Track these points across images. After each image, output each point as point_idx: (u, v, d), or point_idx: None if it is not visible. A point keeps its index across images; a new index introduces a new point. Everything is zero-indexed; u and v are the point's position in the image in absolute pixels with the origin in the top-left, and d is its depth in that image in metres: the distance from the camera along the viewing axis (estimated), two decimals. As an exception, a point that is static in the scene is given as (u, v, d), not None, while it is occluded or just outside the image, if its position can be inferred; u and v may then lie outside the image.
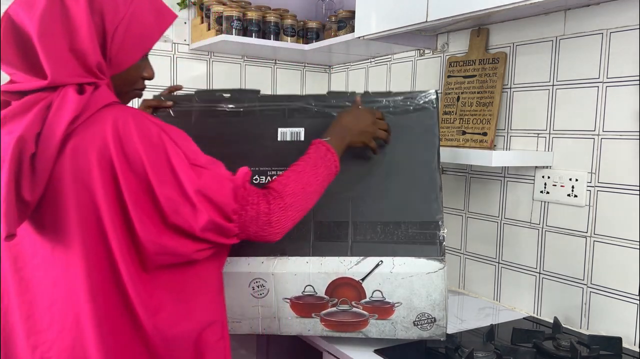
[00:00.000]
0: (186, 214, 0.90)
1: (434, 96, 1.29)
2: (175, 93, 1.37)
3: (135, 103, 1.14)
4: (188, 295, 0.97)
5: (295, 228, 1.12)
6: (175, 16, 1.01)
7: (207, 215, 0.91)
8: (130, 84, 0.99)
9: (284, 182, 1.03)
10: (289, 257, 1.23)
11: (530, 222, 1.58)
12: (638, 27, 1.32)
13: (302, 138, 1.28)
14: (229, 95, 1.32)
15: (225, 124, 1.31)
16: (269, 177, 1.27)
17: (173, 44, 2.13)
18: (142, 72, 1.00)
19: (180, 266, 0.95)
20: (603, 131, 1.40)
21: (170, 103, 1.30)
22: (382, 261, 1.21)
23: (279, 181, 1.03)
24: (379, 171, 1.27)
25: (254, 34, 2.04)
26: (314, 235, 1.24)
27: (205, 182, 0.92)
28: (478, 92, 1.69)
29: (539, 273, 1.57)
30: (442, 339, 1.24)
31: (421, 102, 1.29)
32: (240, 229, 0.98)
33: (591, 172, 1.43)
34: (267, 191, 1.01)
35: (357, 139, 1.19)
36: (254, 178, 1.28)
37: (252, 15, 2.03)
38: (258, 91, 1.34)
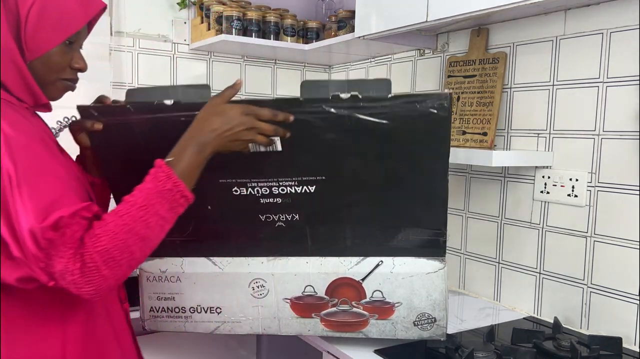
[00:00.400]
0: None
1: (447, 100, 1.02)
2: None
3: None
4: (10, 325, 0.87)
5: (292, 230, 1.10)
6: (104, 5, 0.97)
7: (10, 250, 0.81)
8: (55, 71, 0.94)
9: (99, 233, 0.83)
10: (289, 258, 1.23)
11: (530, 222, 1.58)
12: (638, 27, 1.32)
13: (279, 148, 1.04)
14: (171, 103, 1.03)
15: (176, 134, 0.98)
16: (250, 190, 1.12)
17: (173, 44, 2.13)
18: (69, 60, 0.95)
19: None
20: (603, 131, 1.40)
21: (98, 126, 1.05)
22: (382, 261, 1.21)
23: (94, 232, 0.84)
24: (379, 179, 1.13)
25: (254, 34, 2.04)
26: (311, 239, 1.22)
27: (10, 212, 0.80)
28: (478, 92, 1.69)
29: (539, 273, 1.57)
30: (442, 339, 1.24)
31: (431, 106, 1.02)
32: (51, 280, 0.83)
33: (591, 172, 1.43)
34: (78, 245, 0.83)
35: (217, 146, 0.94)
36: (234, 190, 1.11)
37: (252, 15, 2.03)
38: (208, 87, 1.05)
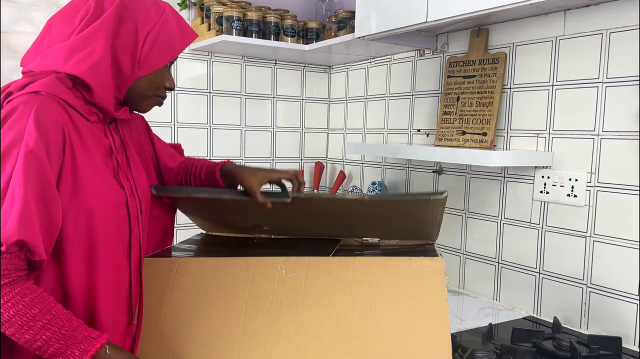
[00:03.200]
0: None
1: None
2: None
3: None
4: None
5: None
6: (197, 35, 1.14)
7: None
8: (155, 88, 1.07)
9: (28, 300, 0.87)
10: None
11: (530, 222, 1.59)
12: (638, 27, 1.32)
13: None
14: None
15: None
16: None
17: (173, 44, 2.13)
18: (165, 80, 1.09)
19: None
20: (603, 131, 1.40)
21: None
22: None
23: (35, 293, 0.89)
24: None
25: (254, 34, 2.04)
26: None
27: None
28: (478, 92, 1.70)
29: (539, 273, 1.57)
30: None
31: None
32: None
33: (591, 172, 1.43)
34: (14, 279, 0.87)
35: None
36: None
37: (252, 15, 2.03)
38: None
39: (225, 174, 1.27)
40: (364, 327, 1.06)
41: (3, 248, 0.84)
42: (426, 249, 1.31)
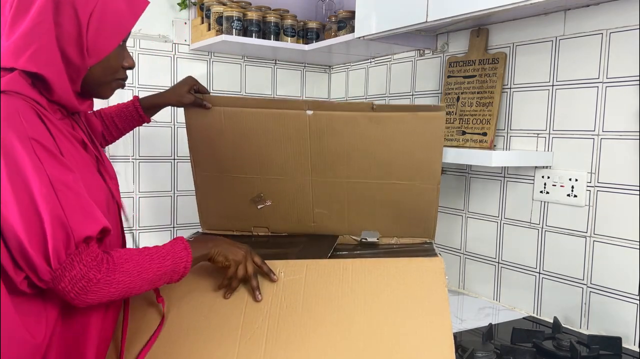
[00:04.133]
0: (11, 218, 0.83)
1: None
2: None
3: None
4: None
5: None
6: (148, 3, 1.03)
7: (28, 238, 0.83)
8: (112, 73, 1.00)
9: (126, 257, 0.94)
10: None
11: (530, 222, 1.59)
12: (638, 27, 1.32)
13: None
14: None
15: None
16: None
17: (173, 44, 2.13)
18: (122, 61, 1.01)
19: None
20: (603, 131, 1.40)
21: (208, 106, 1.34)
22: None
23: (122, 253, 0.95)
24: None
25: (254, 34, 2.04)
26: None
27: (54, 207, 0.84)
28: (478, 93, 1.70)
29: (539, 273, 1.57)
30: None
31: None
32: (52, 280, 0.87)
33: (591, 172, 1.43)
34: (104, 258, 0.91)
35: (217, 254, 1.10)
36: None
37: (252, 15, 2.03)
38: None
39: (148, 107, 1.37)
40: (366, 328, 1.05)
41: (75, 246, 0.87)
42: (425, 249, 1.31)
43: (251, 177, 1.41)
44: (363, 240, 1.40)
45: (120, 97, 1.42)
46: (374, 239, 1.40)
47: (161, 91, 1.41)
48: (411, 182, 1.33)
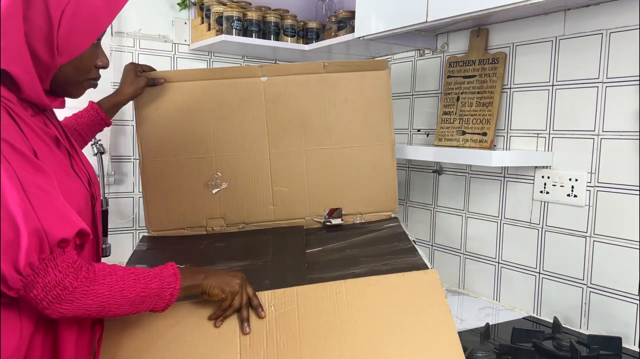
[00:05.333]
0: None
1: None
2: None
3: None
4: None
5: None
6: (126, 1, 0.96)
7: None
8: (85, 72, 0.95)
9: (109, 270, 0.90)
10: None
11: (530, 222, 1.59)
12: (638, 27, 1.32)
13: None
14: None
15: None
16: None
17: (173, 44, 2.13)
18: (95, 60, 0.96)
19: None
20: (603, 131, 1.40)
21: (161, 82, 1.34)
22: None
23: (106, 266, 0.91)
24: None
25: (254, 34, 2.04)
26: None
27: (26, 211, 0.79)
28: (478, 92, 1.70)
29: (539, 273, 1.57)
30: None
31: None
32: (24, 287, 0.82)
33: (591, 172, 1.43)
34: (84, 266, 0.86)
35: (212, 286, 1.03)
36: None
37: (252, 15, 2.03)
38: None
39: (109, 108, 1.35)
40: (372, 352, 0.99)
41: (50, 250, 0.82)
42: (407, 251, 1.26)
43: (206, 158, 1.36)
44: (327, 224, 1.37)
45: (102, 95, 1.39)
46: (338, 221, 1.38)
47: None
48: (366, 146, 1.32)
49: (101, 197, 1.40)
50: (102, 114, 1.34)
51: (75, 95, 0.98)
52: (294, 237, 1.35)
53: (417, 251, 1.27)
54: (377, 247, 1.30)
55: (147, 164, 1.39)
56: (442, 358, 1.00)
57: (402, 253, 1.26)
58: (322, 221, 1.40)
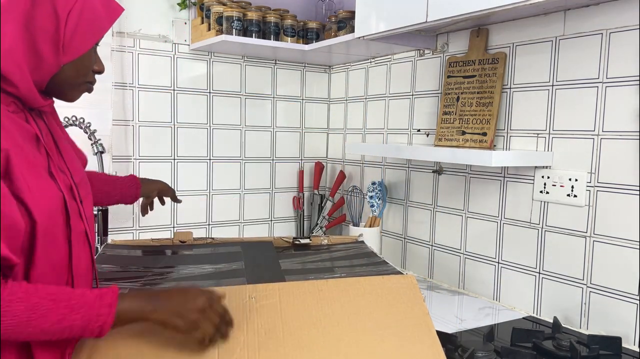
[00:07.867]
0: None
1: None
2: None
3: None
4: None
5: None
6: (123, 9, 1.02)
7: None
8: (83, 74, 0.97)
9: (20, 296, 0.80)
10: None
11: (530, 222, 1.59)
12: (638, 27, 1.32)
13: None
14: None
15: None
16: None
17: (173, 44, 2.13)
18: (93, 64, 0.99)
19: None
20: (603, 131, 1.40)
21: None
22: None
23: (20, 289, 0.81)
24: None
25: (254, 34, 2.04)
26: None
27: None
28: (478, 92, 1.70)
29: (539, 273, 1.57)
30: None
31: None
32: None
33: (591, 172, 1.43)
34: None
35: (169, 316, 0.91)
36: None
37: (252, 15, 2.03)
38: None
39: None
40: (354, 347, 1.00)
41: None
42: (379, 264, 1.32)
43: None
44: (296, 242, 1.42)
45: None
46: (307, 241, 1.43)
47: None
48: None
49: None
50: (138, 189, 1.44)
51: (71, 98, 1.00)
52: (264, 248, 1.36)
53: (389, 264, 1.31)
54: (350, 261, 1.35)
55: None
56: (424, 353, 1.02)
57: (374, 265, 1.31)
58: (291, 241, 1.44)
